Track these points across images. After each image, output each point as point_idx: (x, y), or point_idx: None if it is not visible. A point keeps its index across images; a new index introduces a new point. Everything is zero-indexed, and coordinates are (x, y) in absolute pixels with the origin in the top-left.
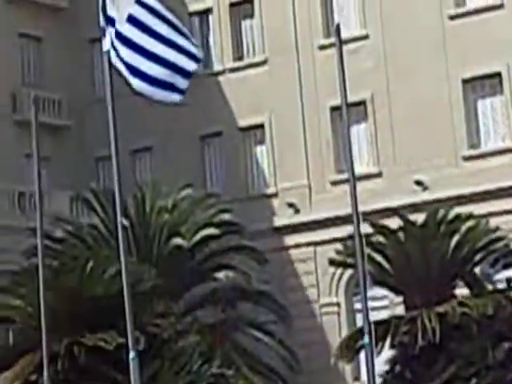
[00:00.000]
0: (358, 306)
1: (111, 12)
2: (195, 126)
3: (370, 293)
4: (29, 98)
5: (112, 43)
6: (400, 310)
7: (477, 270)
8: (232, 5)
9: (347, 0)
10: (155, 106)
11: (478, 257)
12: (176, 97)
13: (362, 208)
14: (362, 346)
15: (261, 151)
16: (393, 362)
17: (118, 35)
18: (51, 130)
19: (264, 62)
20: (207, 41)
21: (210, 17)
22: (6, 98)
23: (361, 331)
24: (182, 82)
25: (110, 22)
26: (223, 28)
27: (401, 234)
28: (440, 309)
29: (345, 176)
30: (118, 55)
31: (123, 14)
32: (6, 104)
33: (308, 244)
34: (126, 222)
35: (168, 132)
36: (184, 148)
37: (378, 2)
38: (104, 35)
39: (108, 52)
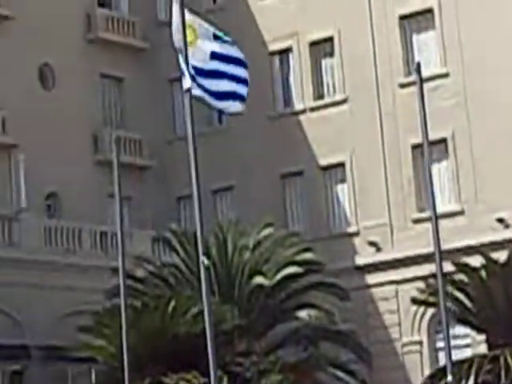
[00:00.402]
0: (440, 344)
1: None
2: (276, 165)
3: (452, 331)
4: (110, 138)
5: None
6: (483, 349)
7: None
8: (312, 44)
9: (427, 38)
10: (236, 145)
11: None
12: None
13: (443, 246)
14: None
15: (342, 190)
16: None
17: (206, 72)
18: (132, 170)
19: (344, 101)
20: (287, 80)
21: (291, 56)
22: (87, 139)
23: (443, 370)
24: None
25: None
26: (303, 67)
27: (483, 272)
28: None
29: (426, 214)
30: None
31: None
32: (87, 144)
33: (390, 282)
34: (207, 262)
35: (249, 171)
36: (265, 187)
37: (458, 40)
38: (183, 74)
39: (188, 91)
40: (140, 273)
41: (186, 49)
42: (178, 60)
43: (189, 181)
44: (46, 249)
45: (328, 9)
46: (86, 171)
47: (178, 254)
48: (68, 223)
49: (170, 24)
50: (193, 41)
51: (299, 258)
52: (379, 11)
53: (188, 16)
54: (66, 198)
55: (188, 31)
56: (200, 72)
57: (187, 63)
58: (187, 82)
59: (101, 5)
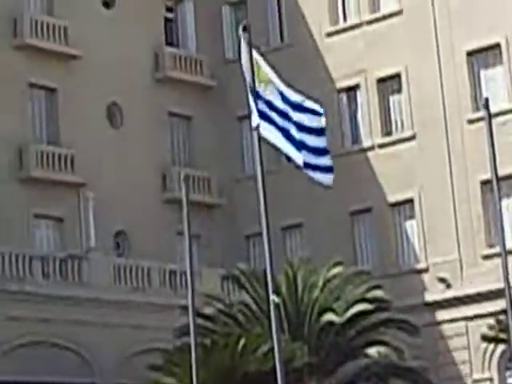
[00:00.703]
0: (511, 381)
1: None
2: (345, 202)
3: None
4: (179, 176)
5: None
6: None
7: None
8: (379, 81)
9: (494, 73)
10: (304, 182)
11: None
12: (329, 177)
13: None
14: None
15: (411, 226)
16: None
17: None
18: (201, 208)
19: (413, 137)
20: (355, 117)
21: (358, 93)
22: (156, 177)
23: None
24: (326, 160)
25: (258, 97)
26: (371, 104)
27: None
28: None
29: (496, 250)
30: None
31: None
32: (156, 182)
33: (460, 319)
34: (277, 300)
35: (318, 208)
36: (334, 224)
37: None
38: (252, 112)
39: (257, 128)
40: (209, 311)
41: (255, 87)
42: (247, 98)
43: (257, 219)
44: (115, 287)
45: (395, 46)
46: (155, 209)
47: (247, 291)
48: (137, 261)
49: (239, 61)
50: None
51: (369, 295)
52: (446, 47)
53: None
54: (135, 237)
55: (260, 70)
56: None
57: (255, 99)
58: (255, 120)
59: (169, 44)
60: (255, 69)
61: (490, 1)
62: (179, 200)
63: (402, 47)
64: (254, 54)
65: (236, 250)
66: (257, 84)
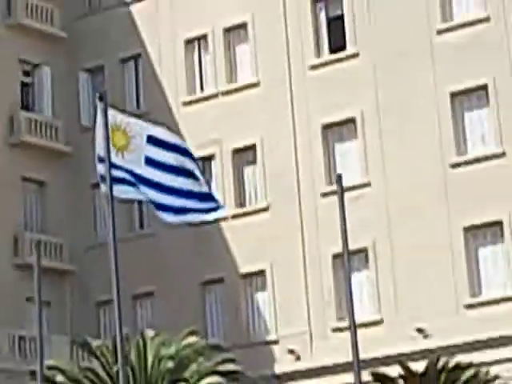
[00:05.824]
0: None
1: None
2: (197, 272)
3: None
4: (31, 242)
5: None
6: None
7: None
8: (234, 151)
9: (349, 148)
10: (157, 251)
11: None
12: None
13: (363, 355)
14: None
15: (262, 298)
16: None
17: (141, 179)
18: (52, 274)
19: (266, 209)
20: (209, 187)
21: (213, 163)
22: (7, 241)
23: None
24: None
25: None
26: (225, 174)
27: (401, 382)
28: None
29: (346, 323)
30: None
31: (140, 156)
32: (7, 247)
33: None
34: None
35: (170, 277)
36: (185, 294)
37: (380, 149)
38: (103, 181)
39: (110, 195)
40: (59, 378)
41: (109, 154)
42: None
43: (109, 286)
44: None
45: (251, 117)
46: (5, 274)
47: (97, 358)
48: None
49: (93, 129)
50: (125, 145)
51: (221, 368)
52: (302, 120)
53: (117, 118)
54: None
55: (117, 135)
56: (145, 181)
57: (110, 168)
58: (103, 187)
59: (25, 108)
60: (112, 135)
61: (346, 76)
62: (30, 265)
63: (258, 118)
64: (118, 117)
65: (87, 317)
66: (113, 151)
